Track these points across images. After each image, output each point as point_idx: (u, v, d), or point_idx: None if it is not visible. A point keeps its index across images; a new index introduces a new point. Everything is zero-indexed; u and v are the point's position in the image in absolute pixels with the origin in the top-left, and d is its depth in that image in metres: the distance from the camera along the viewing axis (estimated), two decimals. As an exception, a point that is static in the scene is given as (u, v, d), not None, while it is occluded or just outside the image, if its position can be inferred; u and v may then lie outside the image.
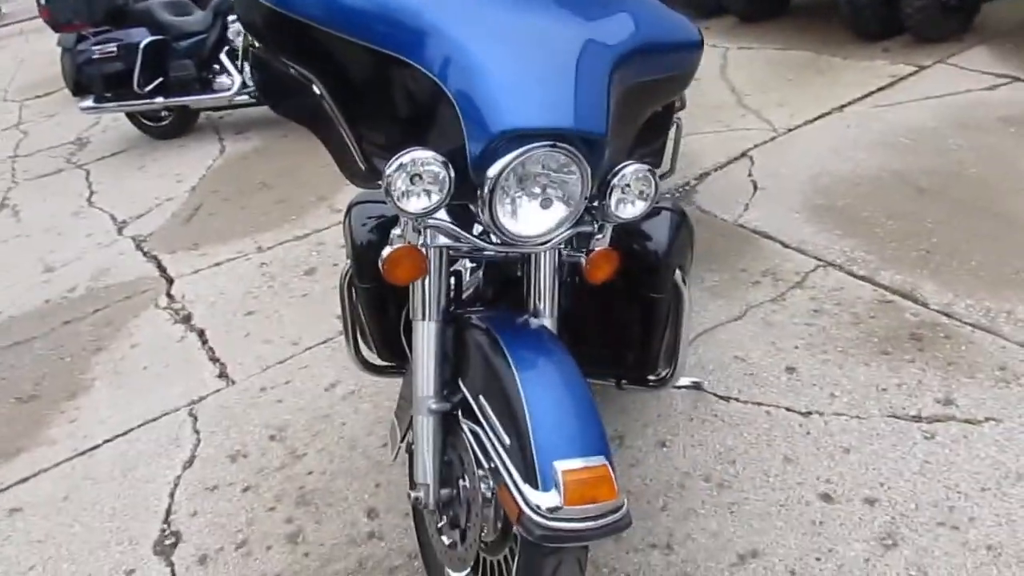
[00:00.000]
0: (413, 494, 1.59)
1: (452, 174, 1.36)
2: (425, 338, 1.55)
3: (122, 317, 3.35)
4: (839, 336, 2.34)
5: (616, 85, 1.48)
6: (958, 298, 2.39)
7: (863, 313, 2.41)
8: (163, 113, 5.38)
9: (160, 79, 5.06)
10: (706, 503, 1.90)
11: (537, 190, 1.41)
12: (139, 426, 2.63)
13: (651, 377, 1.93)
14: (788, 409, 2.12)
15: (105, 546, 2.17)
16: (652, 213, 1.77)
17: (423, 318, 1.55)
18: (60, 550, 2.19)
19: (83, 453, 2.56)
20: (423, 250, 1.47)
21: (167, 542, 2.13)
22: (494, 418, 1.44)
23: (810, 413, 2.09)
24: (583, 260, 1.56)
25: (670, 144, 2.69)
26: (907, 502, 1.81)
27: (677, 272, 1.77)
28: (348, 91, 1.46)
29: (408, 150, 1.34)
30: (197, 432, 2.53)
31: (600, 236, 1.56)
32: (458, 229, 1.47)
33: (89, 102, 5.23)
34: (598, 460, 1.35)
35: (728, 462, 2.00)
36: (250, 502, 2.20)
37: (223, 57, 5.04)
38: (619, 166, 1.48)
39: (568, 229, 1.47)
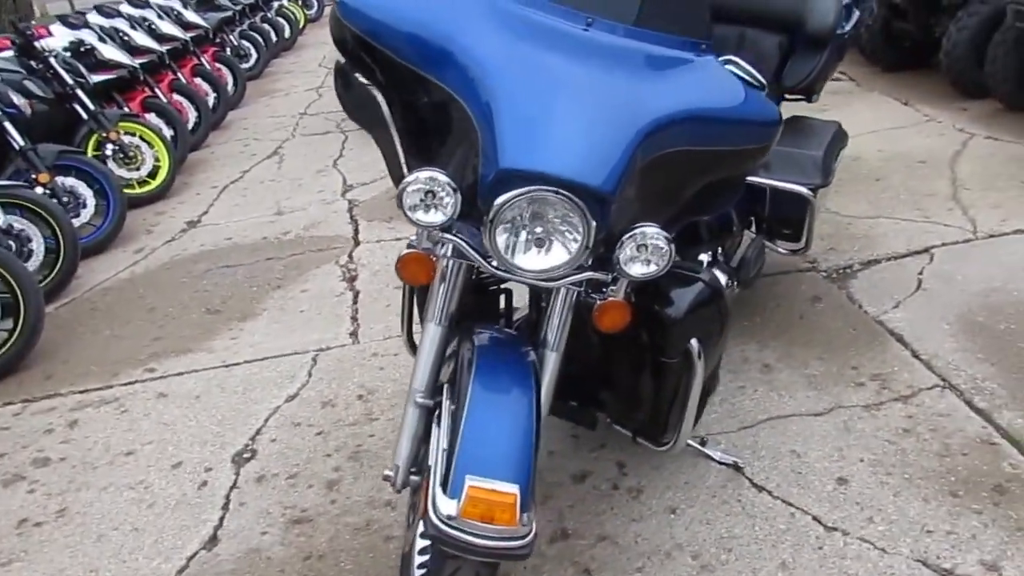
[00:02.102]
0: (386, 471, 1.78)
1: (458, 197, 1.52)
2: (427, 338, 1.72)
3: (308, 265, 3.89)
4: (914, 463, 2.14)
5: (649, 148, 1.53)
6: (1079, 464, 2.07)
7: (956, 447, 2.17)
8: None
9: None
10: (679, 578, 1.88)
11: (539, 229, 1.52)
12: (273, 357, 3.08)
13: (662, 439, 1.94)
14: (815, 518, 2.00)
15: (203, 443, 2.61)
16: (681, 280, 1.80)
17: (429, 320, 1.72)
18: (175, 436, 2.67)
19: (226, 366, 3.06)
20: (434, 258, 1.64)
21: (244, 455, 2.52)
22: (447, 424, 1.58)
23: (835, 529, 1.96)
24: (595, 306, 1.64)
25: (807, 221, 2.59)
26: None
27: (693, 342, 1.77)
28: (403, 110, 1.67)
29: (424, 169, 1.52)
30: (310, 375, 2.92)
31: (614, 288, 1.62)
32: (465, 246, 1.59)
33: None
34: (509, 487, 1.44)
35: (725, 549, 1.94)
36: (316, 445, 2.52)
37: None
38: (635, 225, 1.54)
39: (572, 273, 1.57)
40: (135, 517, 2.31)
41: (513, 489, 1.44)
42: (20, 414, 2.94)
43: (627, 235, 1.54)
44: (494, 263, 1.58)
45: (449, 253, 1.63)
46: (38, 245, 3.80)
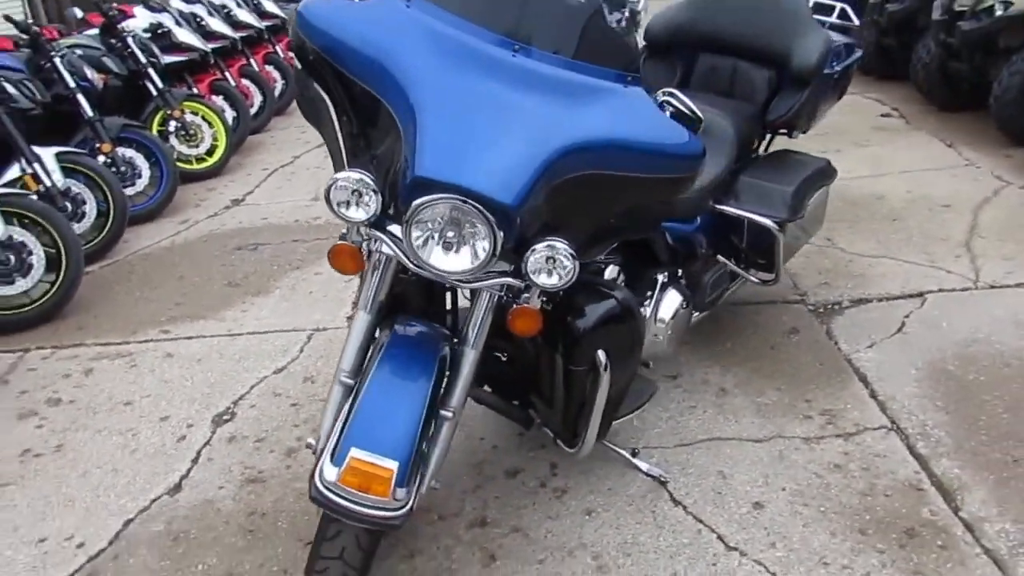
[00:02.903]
0: (309, 440, 1.95)
1: (379, 198, 1.68)
2: (356, 324, 1.88)
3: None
4: (834, 497, 2.18)
5: (561, 168, 1.65)
6: (1000, 519, 2.08)
7: (881, 487, 2.20)
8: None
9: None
10: (574, 575, 1.99)
11: (451, 234, 1.66)
12: (273, 332, 3.31)
13: (573, 443, 2.06)
14: (719, 537, 2.07)
15: (192, 402, 2.85)
16: (595, 295, 1.92)
17: (360, 307, 1.89)
18: (170, 392, 2.92)
19: (230, 335, 3.31)
20: (364, 251, 1.81)
21: (224, 417, 2.74)
22: (350, 400, 1.75)
23: (735, 549, 2.03)
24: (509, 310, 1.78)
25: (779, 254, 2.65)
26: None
27: (600, 353, 1.88)
28: (346, 115, 1.84)
29: (352, 170, 1.69)
30: (301, 351, 3.13)
31: (527, 295, 1.75)
32: (389, 242, 1.74)
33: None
34: (388, 463, 1.60)
35: (625, 553, 2.04)
36: (288, 415, 2.72)
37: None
38: (544, 239, 1.66)
39: (485, 277, 1.70)
40: (117, 460, 2.56)
41: (391, 465, 1.60)
42: (47, 358, 3.26)
43: (534, 247, 1.66)
44: (412, 260, 1.73)
45: (378, 248, 1.79)
46: (91, 209, 4.15)
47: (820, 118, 2.90)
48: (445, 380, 1.84)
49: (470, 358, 1.83)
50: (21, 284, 3.48)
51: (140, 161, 4.70)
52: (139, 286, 3.88)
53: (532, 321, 1.77)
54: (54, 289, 3.54)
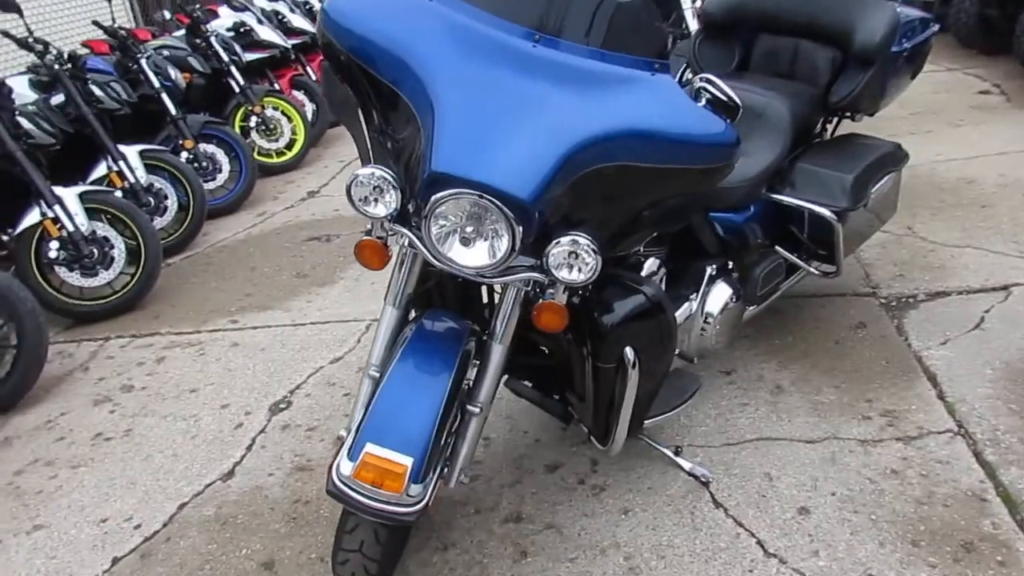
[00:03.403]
0: (340, 432, 1.98)
1: (398, 194, 1.69)
2: (384, 318, 1.91)
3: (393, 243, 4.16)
4: (887, 505, 2.06)
5: (583, 161, 1.61)
6: (1073, 533, 1.91)
7: (940, 496, 2.06)
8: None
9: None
10: (604, 575, 1.95)
11: (470, 229, 1.65)
12: (334, 322, 3.39)
13: (605, 440, 2.01)
14: (759, 542, 1.99)
15: (251, 390, 2.95)
16: (624, 290, 1.86)
17: (387, 302, 1.91)
18: (233, 380, 3.03)
19: (293, 325, 3.41)
20: (389, 247, 1.82)
21: (280, 405, 2.83)
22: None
23: (773, 556, 1.94)
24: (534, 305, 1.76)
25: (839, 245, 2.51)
26: None
27: (628, 350, 1.83)
28: (371, 111, 1.84)
29: (372, 166, 1.71)
30: (358, 342, 3.20)
31: (552, 290, 1.73)
32: (413, 238, 1.74)
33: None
34: (403, 458, 1.61)
35: (659, 555, 1.99)
36: (340, 404, 2.78)
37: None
38: (566, 233, 1.63)
39: (508, 272, 1.69)
40: (178, 445, 2.68)
41: (406, 461, 1.61)
42: (125, 347, 3.44)
43: (555, 242, 1.63)
44: (433, 255, 1.73)
45: (403, 243, 1.80)
46: (172, 203, 4.35)
47: (889, 99, 2.72)
48: (474, 374, 1.85)
49: (497, 353, 1.82)
50: (104, 276, 3.68)
51: (221, 156, 4.88)
52: (214, 277, 4.04)
53: (557, 316, 1.74)
54: (134, 281, 3.73)
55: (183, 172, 4.36)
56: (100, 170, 4.13)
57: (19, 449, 2.77)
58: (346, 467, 1.62)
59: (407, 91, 1.71)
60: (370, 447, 1.62)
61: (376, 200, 1.73)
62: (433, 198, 1.59)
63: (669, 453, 2.27)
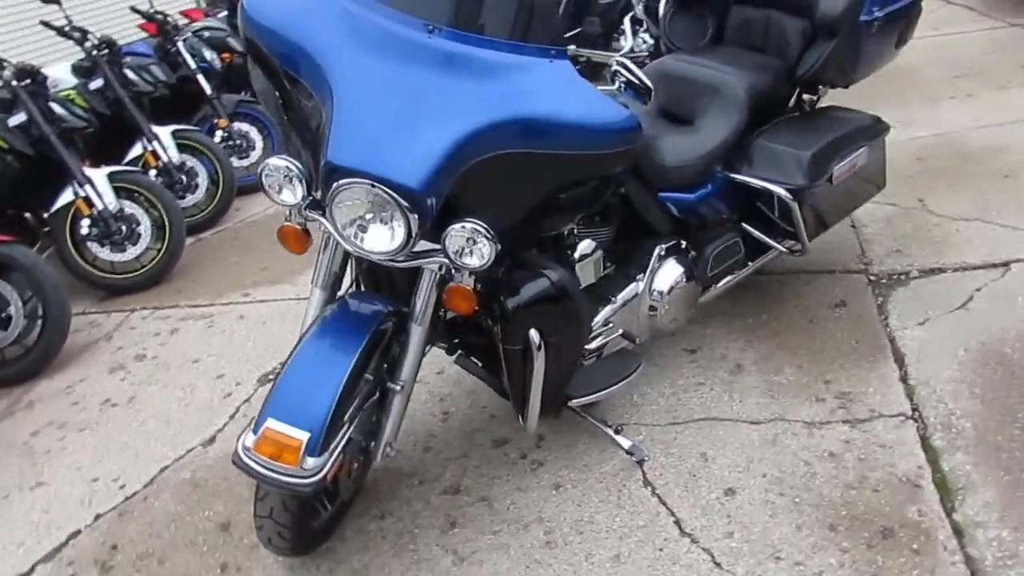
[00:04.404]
0: None
1: (302, 184, 1.78)
2: (312, 300, 2.01)
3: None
4: (815, 488, 2.04)
5: (477, 149, 1.66)
6: (998, 525, 1.85)
7: (873, 481, 2.03)
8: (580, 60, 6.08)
9: (577, 30, 5.74)
10: (520, 549, 2.01)
11: (369, 216, 1.72)
12: (334, 296, 3.52)
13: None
14: (676, 521, 2.02)
15: (246, 361, 3.12)
16: (530, 275, 1.90)
17: (314, 284, 2.01)
18: (232, 351, 3.22)
19: (297, 299, 3.56)
20: (310, 231, 1.91)
21: (269, 376, 2.99)
22: None
23: (687, 536, 1.97)
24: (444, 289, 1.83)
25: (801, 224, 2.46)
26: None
27: (533, 333, 1.87)
28: (286, 102, 1.92)
29: (278, 157, 1.80)
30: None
31: (458, 274, 1.79)
32: (327, 223, 1.82)
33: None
34: (300, 433, 1.71)
35: (577, 531, 2.04)
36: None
37: (626, 20, 5.47)
38: (460, 220, 1.69)
39: (415, 256, 1.76)
40: (172, 412, 2.88)
41: (302, 436, 1.71)
42: (147, 318, 3.68)
43: (451, 228, 1.69)
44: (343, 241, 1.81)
45: (323, 229, 1.88)
46: (203, 180, 4.58)
47: (866, 70, 2.60)
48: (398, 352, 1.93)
49: (416, 333, 1.90)
50: (132, 251, 3.93)
51: (254, 134, 5.08)
52: (236, 252, 4.25)
53: (465, 300, 1.81)
54: (159, 256, 3.97)
55: (213, 150, 4.57)
56: (136, 150, 4.38)
57: (39, 412, 3.03)
58: (249, 440, 1.74)
59: (312, 83, 1.79)
60: (270, 422, 1.72)
61: (287, 188, 1.82)
62: (332, 187, 1.67)
63: (610, 432, 2.31)
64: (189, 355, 3.26)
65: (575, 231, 2.16)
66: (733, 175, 2.42)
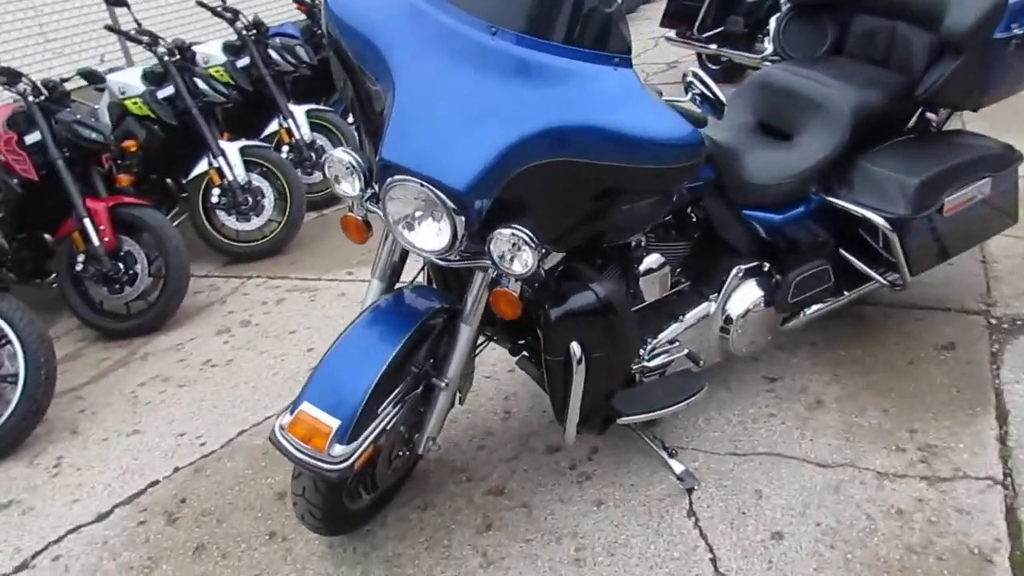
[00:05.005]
0: None
1: (359, 177, 1.83)
2: (369, 290, 2.06)
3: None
4: (872, 547, 1.87)
5: (528, 155, 1.64)
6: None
7: (939, 549, 1.84)
8: (722, 59, 5.87)
9: (719, 28, 5.53)
10: (548, 562, 1.98)
11: (419, 214, 1.74)
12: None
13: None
14: (712, 559, 1.91)
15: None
16: (576, 286, 1.85)
17: (372, 274, 2.06)
18: (326, 326, 3.36)
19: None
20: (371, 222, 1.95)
21: (352, 355, 3.09)
22: None
23: (722, 575, 1.86)
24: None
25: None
26: None
27: (575, 345, 1.82)
28: (359, 94, 1.96)
29: (341, 149, 1.85)
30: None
31: (505, 278, 1.79)
32: (384, 217, 1.86)
33: (671, 33, 6.05)
34: (331, 420, 1.76)
35: (608, 553, 1.98)
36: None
37: (772, 21, 5.20)
38: (506, 225, 1.68)
39: (460, 256, 1.77)
40: (261, 379, 3.04)
41: (332, 423, 1.75)
42: (260, 286, 3.91)
43: (496, 232, 1.68)
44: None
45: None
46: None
47: (999, 94, 2.34)
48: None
49: (464, 333, 1.91)
50: (256, 221, 4.18)
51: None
52: (351, 230, 4.41)
53: (510, 305, 1.79)
54: (279, 228, 4.19)
55: (340, 130, 4.77)
56: (273, 126, 4.64)
57: (151, 364, 3.29)
58: (286, 420, 1.81)
59: (379, 78, 1.82)
60: (305, 405, 1.78)
61: (348, 179, 1.87)
62: (385, 182, 1.70)
63: (664, 454, 2.22)
64: (288, 325, 3.43)
65: (643, 243, 2.09)
66: (830, 198, 2.25)
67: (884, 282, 2.39)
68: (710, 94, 1.77)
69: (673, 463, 2.19)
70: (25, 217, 3.57)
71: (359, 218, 1.95)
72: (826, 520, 1.97)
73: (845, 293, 2.45)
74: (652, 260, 2.09)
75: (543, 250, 1.69)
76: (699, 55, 6.01)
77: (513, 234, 1.65)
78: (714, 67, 5.84)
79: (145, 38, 4.05)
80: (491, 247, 1.69)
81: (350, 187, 1.87)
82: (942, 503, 1.97)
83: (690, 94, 1.83)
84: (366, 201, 1.90)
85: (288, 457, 1.80)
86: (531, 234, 1.64)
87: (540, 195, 1.72)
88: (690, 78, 1.82)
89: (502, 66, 1.68)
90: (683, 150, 1.71)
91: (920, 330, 2.65)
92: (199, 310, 3.72)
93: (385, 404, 1.85)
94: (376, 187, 1.85)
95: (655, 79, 6.43)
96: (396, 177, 1.67)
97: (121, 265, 3.51)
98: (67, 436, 2.85)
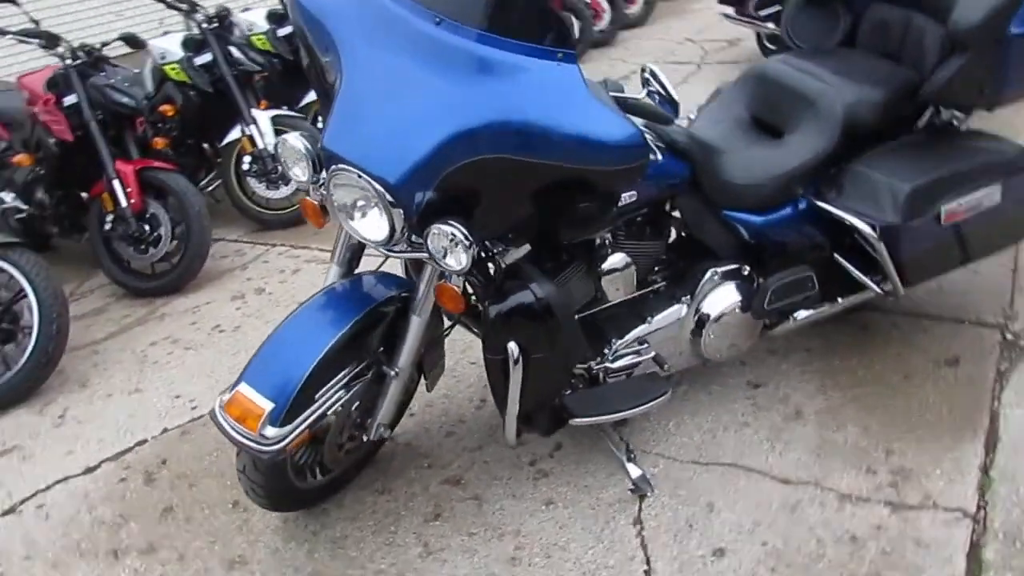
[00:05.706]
0: None
1: (308, 164, 1.83)
2: (328, 274, 2.07)
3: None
4: (819, 573, 1.78)
5: (464, 149, 1.61)
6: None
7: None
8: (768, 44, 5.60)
9: (775, 8, 5.26)
10: (485, 558, 1.97)
11: (362, 202, 1.73)
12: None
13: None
14: (647, 571, 1.86)
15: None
16: (517, 286, 1.81)
17: (331, 260, 2.06)
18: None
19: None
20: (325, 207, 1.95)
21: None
22: None
23: (652, 589, 1.81)
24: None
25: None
26: None
27: (512, 345, 1.78)
28: (319, 80, 1.94)
29: (293, 134, 1.85)
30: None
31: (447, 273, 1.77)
32: (329, 203, 1.85)
33: (730, 10, 5.79)
34: (265, 402, 1.79)
35: (546, 555, 1.95)
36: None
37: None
38: (441, 220, 1.66)
39: (401, 248, 1.75)
40: (261, 347, 3.10)
41: (266, 406, 1.78)
42: (282, 254, 3.98)
43: (432, 227, 1.65)
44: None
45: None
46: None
47: (1013, 94, 2.13)
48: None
49: (415, 323, 1.90)
50: (284, 190, 4.24)
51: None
52: (378, 202, 4.43)
53: (452, 299, 1.78)
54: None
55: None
56: (311, 95, 4.68)
57: (166, 325, 3.41)
58: (225, 398, 1.84)
59: (333, 66, 1.80)
60: (242, 386, 1.81)
61: (296, 165, 1.87)
62: (328, 172, 1.70)
63: (622, 456, 2.16)
64: (298, 296, 3.48)
65: (608, 241, 2.02)
66: (818, 202, 2.12)
67: (878, 291, 2.24)
68: (663, 92, 1.68)
69: (630, 467, 2.13)
70: (63, 175, 3.73)
71: (315, 203, 1.95)
72: (773, 540, 1.89)
73: (839, 300, 2.31)
74: (616, 260, 2.02)
75: (476, 248, 1.65)
76: (758, 35, 5.75)
77: (448, 230, 1.62)
78: (772, 47, 5.57)
79: (184, 5, 4.13)
80: (428, 241, 1.67)
81: (301, 172, 1.87)
82: (901, 533, 1.85)
83: (645, 90, 1.74)
84: (320, 187, 1.89)
85: (224, 435, 1.83)
86: (466, 232, 1.61)
87: (481, 191, 1.68)
88: (646, 74, 1.73)
89: (444, 58, 1.64)
90: (623, 152, 1.64)
91: (926, 342, 2.49)
92: (221, 274, 3.82)
93: (326, 389, 1.86)
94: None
95: (716, 56, 6.18)
96: (336, 166, 1.67)
97: (147, 227, 3.63)
98: (76, 389, 2.99)
